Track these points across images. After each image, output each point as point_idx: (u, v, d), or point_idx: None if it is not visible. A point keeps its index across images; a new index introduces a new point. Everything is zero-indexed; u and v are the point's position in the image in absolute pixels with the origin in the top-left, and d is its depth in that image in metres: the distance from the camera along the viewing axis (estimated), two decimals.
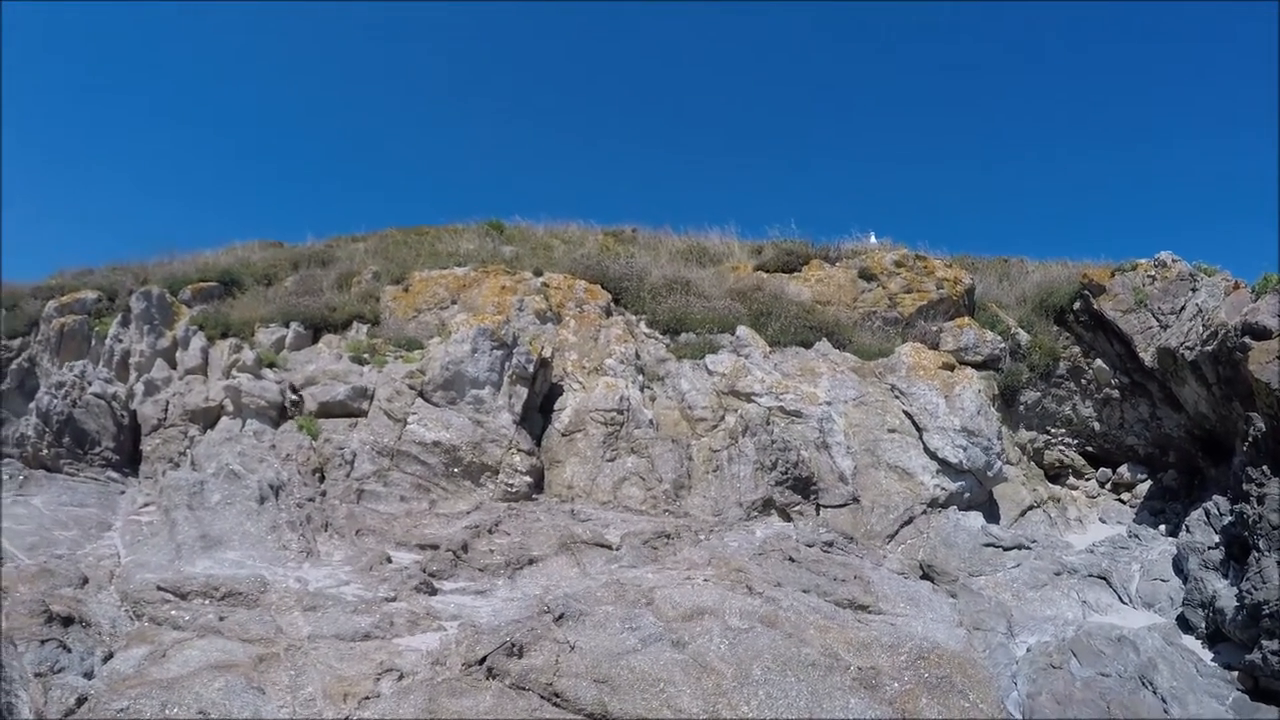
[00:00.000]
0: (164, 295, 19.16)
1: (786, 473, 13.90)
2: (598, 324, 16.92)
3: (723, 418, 14.92)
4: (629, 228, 24.48)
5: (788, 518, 13.71)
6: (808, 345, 17.19)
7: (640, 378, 15.87)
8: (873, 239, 21.85)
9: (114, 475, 16.02)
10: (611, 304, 18.06)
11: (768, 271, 20.08)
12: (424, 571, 10.46)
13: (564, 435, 14.82)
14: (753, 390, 15.22)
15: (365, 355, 16.20)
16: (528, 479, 13.78)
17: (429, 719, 6.90)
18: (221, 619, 8.71)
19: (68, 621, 8.53)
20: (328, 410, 15.14)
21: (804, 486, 14.02)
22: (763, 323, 17.46)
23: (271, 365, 16.30)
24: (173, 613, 8.94)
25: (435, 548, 11.39)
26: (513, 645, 7.91)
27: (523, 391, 14.78)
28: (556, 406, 15.38)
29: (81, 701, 7.19)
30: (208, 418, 16.35)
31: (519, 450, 13.96)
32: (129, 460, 16.76)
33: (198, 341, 17.94)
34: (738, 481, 13.86)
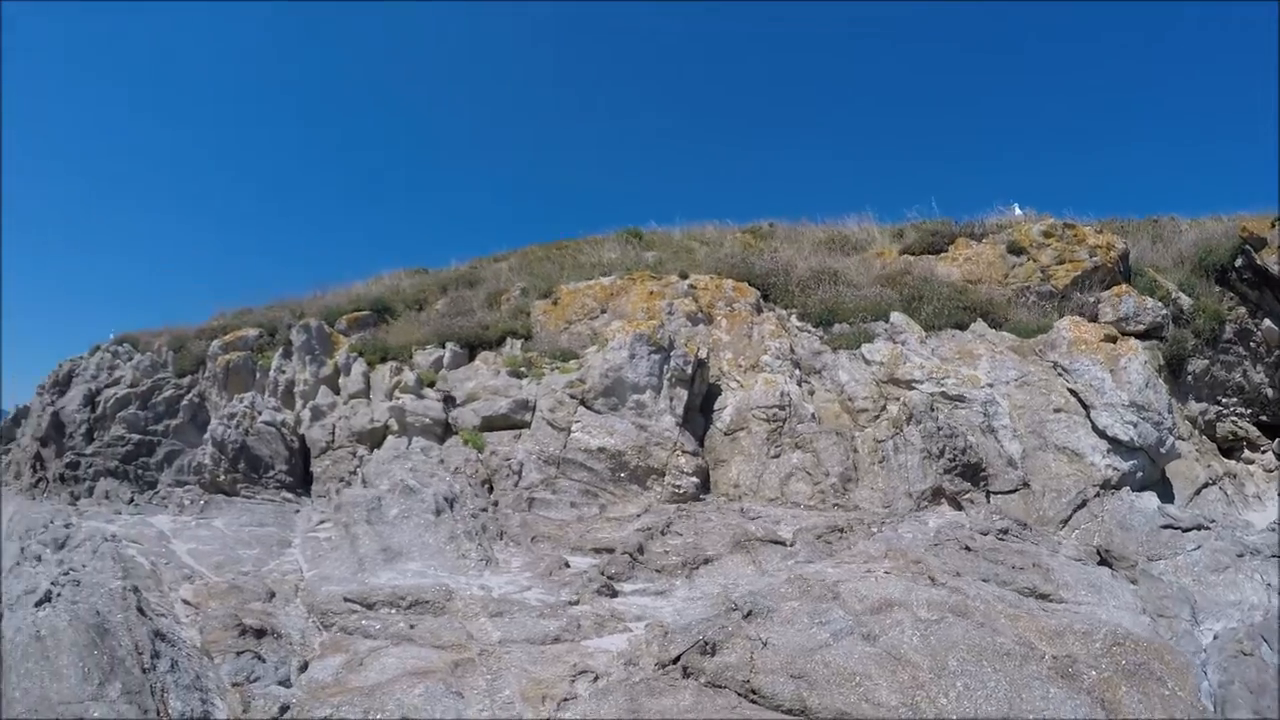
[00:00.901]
0: (322, 327, 19.72)
1: (954, 460, 13.46)
2: (749, 321, 16.66)
3: (884, 407, 14.53)
4: (766, 223, 24.13)
5: (958, 506, 13.26)
6: (963, 327, 16.60)
7: (797, 372, 15.54)
8: (1017, 211, 20.89)
9: (288, 496, 16.65)
10: (760, 300, 17.76)
11: (913, 254, 19.48)
12: (603, 574, 10.31)
13: (726, 434, 14.61)
14: (912, 377, 14.78)
15: (522, 369, 16.27)
16: (694, 480, 13.60)
17: (631, 719, 6.84)
18: (412, 627, 8.77)
19: (260, 633, 8.78)
20: (491, 424, 15.26)
21: (973, 473, 13.56)
22: (915, 307, 16.89)
23: (431, 385, 16.54)
24: (363, 622, 9.07)
25: (610, 551, 11.28)
26: (705, 643, 7.75)
27: (683, 393, 14.66)
28: (716, 406, 15.18)
29: (284, 709, 7.30)
30: (374, 438, 16.78)
31: (683, 452, 13.81)
32: (301, 481, 17.41)
33: (359, 367, 18.44)
34: (905, 471, 13.47)
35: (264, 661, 8.22)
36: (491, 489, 14.00)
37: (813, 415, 14.48)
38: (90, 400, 21.95)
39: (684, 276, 18.37)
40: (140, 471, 19.23)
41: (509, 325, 18.34)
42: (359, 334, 20.47)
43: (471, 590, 9.81)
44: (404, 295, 21.81)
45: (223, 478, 16.80)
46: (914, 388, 14.68)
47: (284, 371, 20.10)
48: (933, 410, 14.11)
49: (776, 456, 13.97)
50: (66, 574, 9.63)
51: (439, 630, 8.62)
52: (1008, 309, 17.32)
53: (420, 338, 18.58)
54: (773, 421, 14.24)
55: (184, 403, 21.00)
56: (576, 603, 9.54)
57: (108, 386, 22.39)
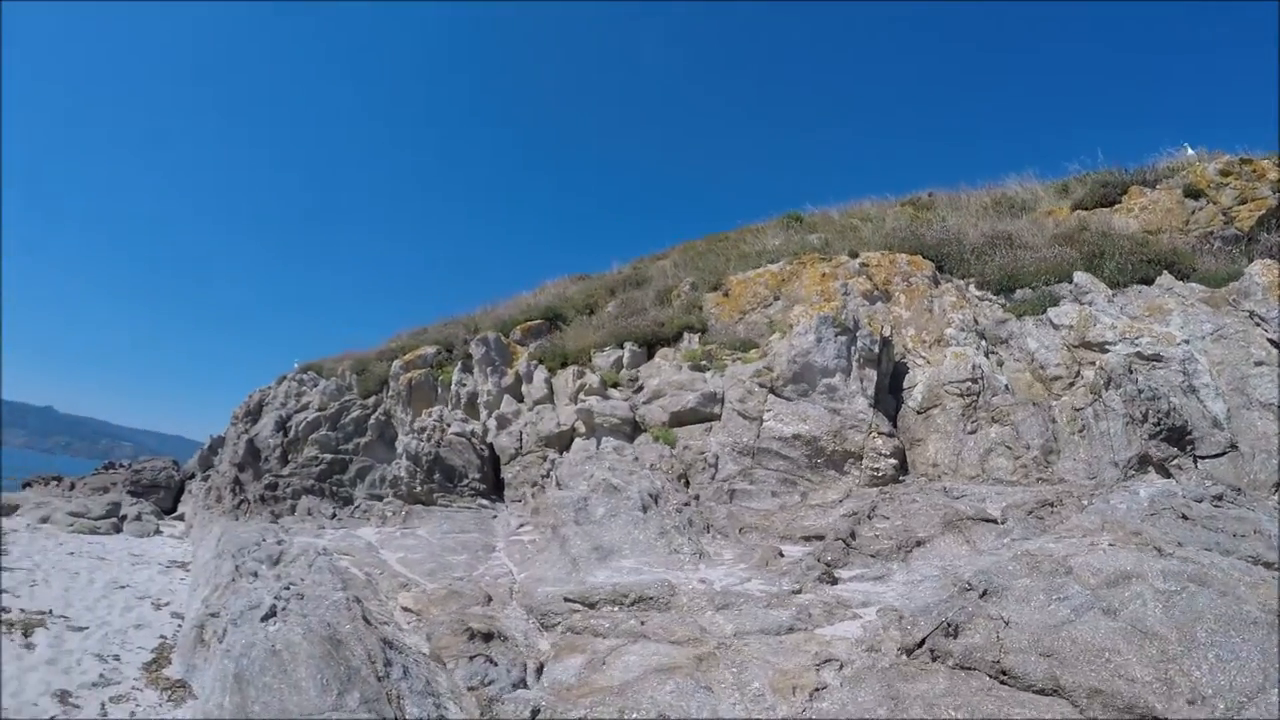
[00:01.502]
0: (499, 338, 20.11)
1: (1159, 424, 12.77)
2: (928, 295, 16.22)
3: (1078, 373, 13.95)
4: (925, 193, 23.48)
5: (1165, 473, 12.54)
6: (1148, 281, 15.69)
7: (983, 343, 14.99)
8: (1189, 151, 19.86)
9: (484, 503, 17.04)
10: (936, 272, 17.24)
11: (1085, 209, 18.65)
12: (819, 561, 10.11)
13: (919, 413, 14.21)
14: (1104, 339, 14.14)
15: (703, 362, 16.18)
16: (892, 461, 13.24)
17: (890, 705, 6.69)
18: (642, 624, 8.65)
19: (488, 637, 8.84)
20: (680, 419, 15.22)
21: (1178, 437, 12.81)
22: (1096, 265, 16.00)
23: (615, 385, 16.64)
24: (591, 621, 8.99)
25: (820, 538, 11.09)
26: (948, 625, 7.53)
27: (872, 374, 14.31)
28: (905, 385, 14.80)
29: (536, 712, 7.26)
30: (561, 441, 16.99)
31: (879, 433, 13.48)
32: (494, 488, 17.79)
33: (540, 374, 18.74)
34: (1108, 439, 12.87)
35: (495, 665, 8.27)
36: (688, 483, 13.92)
37: (1006, 387, 14.02)
38: (282, 426, 22.81)
39: (854, 255, 18.02)
40: (335, 488, 19.93)
41: (684, 320, 18.26)
42: (535, 342, 20.79)
43: (692, 584, 9.66)
44: (573, 301, 22.03)
45: (419, 489, 17.29)
46: (1107, 350, 14.07)
47: (464, 384, 20.57)
48: (1131, 372, 13.51)
49: (973, 432, 13.55)
50: (287, 588, 9.83)
51: (670, 626, 8.48)
52: (1193, 258, 16.31)
53: (597, 340, 18.74)
54: (966, 396, 13.82)
55: (371, 421, 21.66)
56: (799, 591, 9.36)
57: (297, 412, 23.24)
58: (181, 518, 25.99)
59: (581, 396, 16.67)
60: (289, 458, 21.99)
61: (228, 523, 18.04)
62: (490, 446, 18.41)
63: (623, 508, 12.13)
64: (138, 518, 23.71)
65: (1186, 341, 14.05)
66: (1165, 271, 15.86)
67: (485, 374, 19.87)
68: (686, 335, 17.87)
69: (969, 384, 13.88)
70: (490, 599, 10.47)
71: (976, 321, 15.43)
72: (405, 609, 10.39)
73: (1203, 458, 12.73)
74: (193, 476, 29.01)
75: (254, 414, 25.80)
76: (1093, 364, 13.95)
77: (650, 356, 18.03)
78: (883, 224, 20.83)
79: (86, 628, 11.81)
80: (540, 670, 8.34)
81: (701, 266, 21.45)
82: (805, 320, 14.56)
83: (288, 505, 19.29)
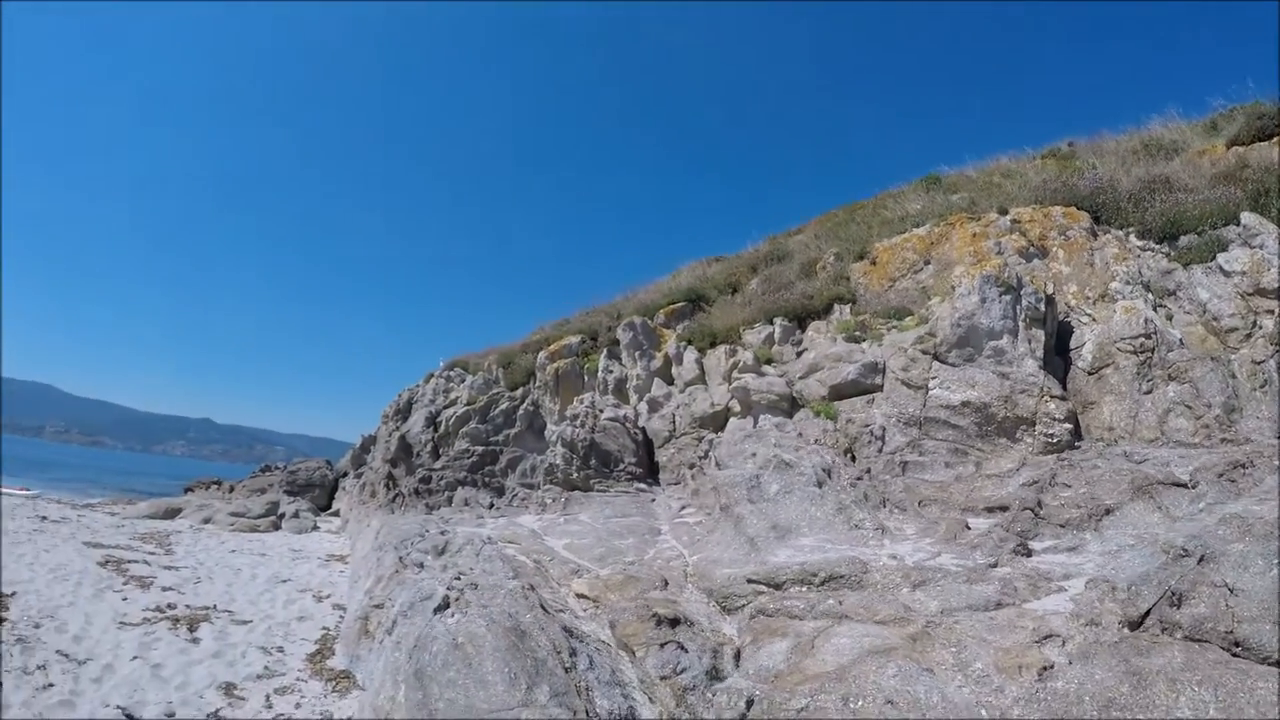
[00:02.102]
0: (646, 323, 20.02)
1: None
2: (1087, 248, 15.36)
3: (1255, 323, 13.10)
4: (1064, 143, 22.41)
5: None
6: None
7: (1149, 296, 14.17)
8: None
9: (641, 486, 16.92)
10: (1093, 224, 16.30)
11: (1242, 144, 17.28)
12: (1010, 533, 9.66)
13: (1090, 373, 13.44)
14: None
15: (856, 333, 15.74)
16: (1067, 426, 12.55)
17: (1132, 681, 6.32)
18: (840, 604, 8.21)
19: (674, 623, 8.48)
20: (839, 392, 14.77)
21: None
22: (1263, 204, 14.78)
23: (768, 361, 16.30)
24: (785, 603, 8.55)
25: (1004, 509, 10.56)
26: (1173, 595, 7.21)
27: (1039, 334, 13.62)
28: (1072, 344, 14.02)
29: (750, 704, 6.84)
30: (715, 422, 16.77)
31: (1051, 397, 12.77)
32: (648, 472, 17.67)
33: (690, 355, 18.57)
34: None
35: (686, 651, 7.90)
36: (854, 458, 13.51)
37: (1180, 341, 13.26)
38: (431, 421, 23.16)
39: (1003, 212, 17.25)
40: (487, 479, 20.04)
41: (833, 292, 17.84)
42: (685, 323, 20.66)
43: (882, 561, 9.25)
44: (714, 281, 21.78)
45: (575, 475, 17.31)
46: None
47: (611, 371, 20.55)
48: None
49: (1149, 392, 12.81)
50: (458, 578, 9.78)
51: (871, 605, 8.05)
52: None
53: (745, 318, 18.44)
54: (1140, 353, 13.08)
55: (519, 412, 21.79)
56: (995, 565, 8.89)
57: (446, 407, 23.56)
58: (337, 514, 26.72)
59: (735, 375, 16.40)
60: (440, 451, 22.30)
61: (385, 516, 18.26)
62: (643, 430, 18.31)
63: (796, 484, 11.71)
64: (295, 515, 24.44)
65: None
66: None
67: (634, 358, 19.82)
68: (837, 307, 17.43)
69: (1142, 340, 13.15)
70: (667, 583, 10.17)
71: (1140, 273, 14.65)
72: (580, 595, 10.20)
73: None
74: (345, 474, 29.85)
75: (404, 412, 26.30)
76: (1270, 313, 13.16)
77: (801, 330, 17.65)
78: (1025, 179, 19.94)
79: (250, 621, 12.05)
80: (738, 657, 7.94)
81: (843, 236, 20.95)
82: (967, 281, 13.93)
83: (442, 497, 19.43)
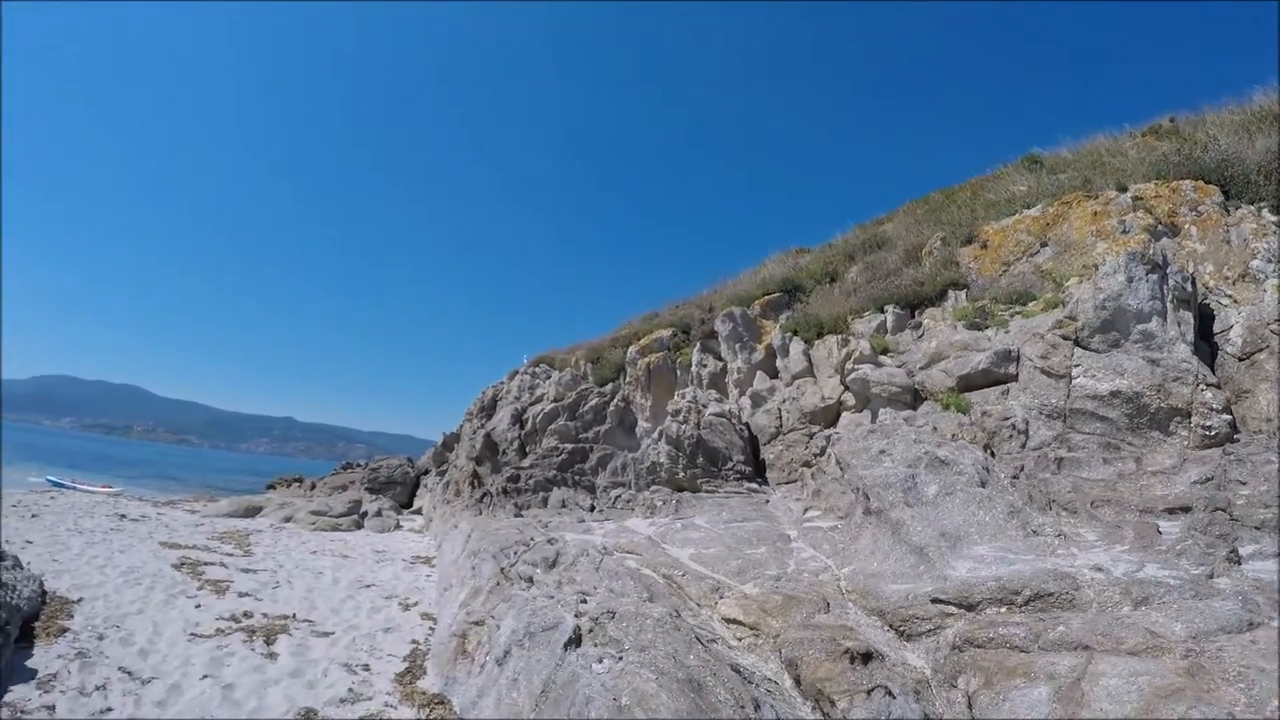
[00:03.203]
0: (746, 313, 19.23)
1: None
2: (1222, 224, 14.23)
3: None
4: (1165, 120, 21.41)
5: None
6: None
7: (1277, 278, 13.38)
8: None
9: (753, 486, 15.97)
10: (1224, 199, 15.15)
11: None
12: (1209, 537, 8.58)
13: (1240, 359, 12.20)
14: None
15: (976, 320, 14.92)
16: (1225, 417, 11.33)
17: None
18: (1068, 630, 6.95)
19: (866, 658, 7.16)
20: (969, 382, 13.76)
21: None
22: None
23: (884, 351, 15.30)
24: (997, 630, 7.21)
25: (1186, 510, 9.50)
26: None
27: (1188, 316, 12.43)
28: (1217, 328, 12.82)
29: None
30: (826, 416, 15.85)
31: (1207, 385, 11.60)
32: (757, 470, 16.71)
33: (796, 346, 17.68)
34: None
35: (893, 697, 6.60)
36: (993, 453, 12.40)
37: None
38: (518, 419, 22.61)
39: (1122, 189, 16.13)
40: (577, 478, 19.32)
41: (945, 277, 16.86)
42: (782, 315, 19.96)
43: (1086, 574, 8.03)
44: (810, 271, 20.90)
45: (681, 474, 16.44)
46: None
47: (705, 365, 19.85)
48: None
49: None
50: (584, 600, 8.91)
51: (1106, 630, 6.83)
52: None
53: (852, 306, 17.54)
54: None
55: (610, 409, 21.17)
56: (1212, 576, 7.72)
57: (532, 404, 23.01)
58: (419, 512, 26.24)
59: (850, 366, 15.39)
60: (527, 449, 21.74)
61: (474, 517, 17.47)
62: (746, 426, 17.50)
63: (958, 484, 10.62)
64: (378, 514, 23.95)
65: None
66: None
67: (734, 350, 19.06)
68: (951, 292, 16.44)
69: None
70: (829, 604, 8.87)
71: None
72: (731, 620, 9.02)
73: None
74: (427, 472, 29.42)
75: (488, 409, 25.80)
76: None
77: (913, 317, 16.75)
78: (1134, 156, 18.92)
79: (332, 633, 11.23)
80: (969, 704, 6.59)
81: (945, 221, 19.84)
82: (1112, 259, 12.75)
83: (533, 497, 18.61)
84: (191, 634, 10.36)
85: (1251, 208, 14.73)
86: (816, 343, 17.55)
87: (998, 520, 9.86)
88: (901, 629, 8.10)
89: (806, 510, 13.60)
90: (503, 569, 11.44)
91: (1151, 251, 12.92)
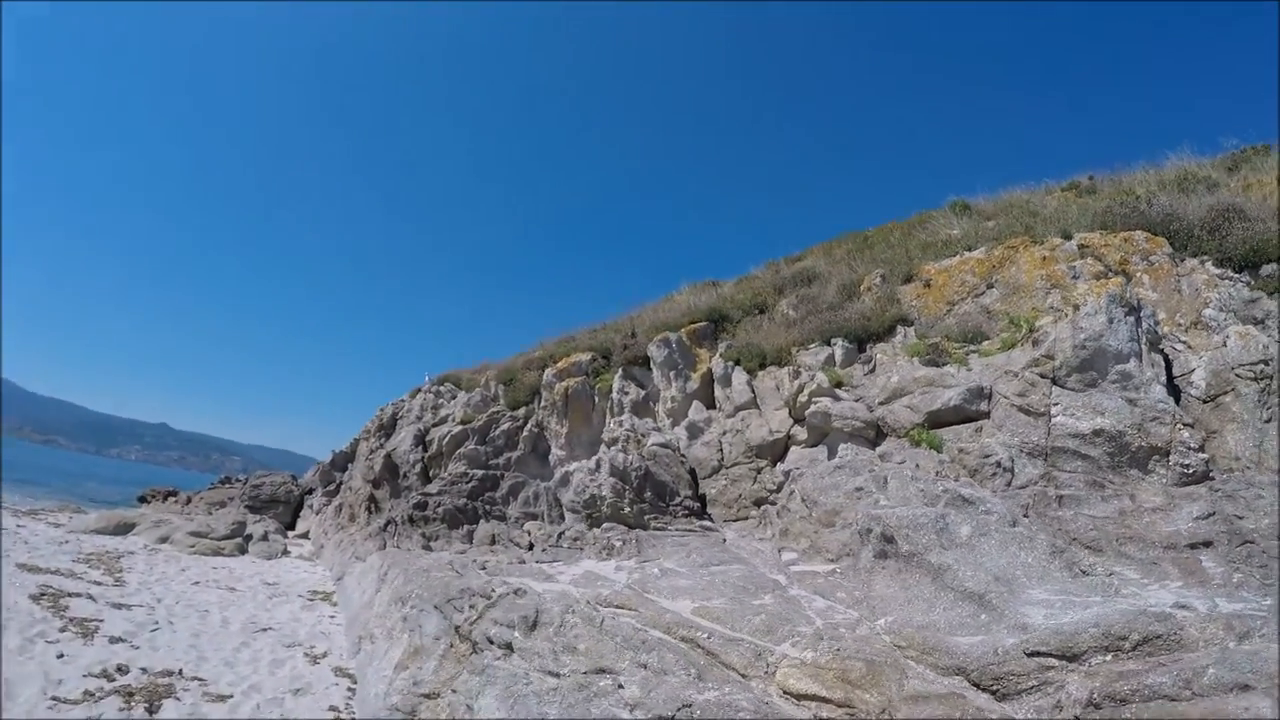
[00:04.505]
0: (682, 339, 18.85)
1: None
2: (1174, 274, 14.75)
3: None
4: (1085, 177, 22.14)
5: None
6: None
7: (1235, 325, 14.01)
8: None
9: (705, 524, 15.24)
10: (1171, 250, 15.63)
11: None
12: (1250, 567, 8.89)
13: (1205, 401, 12.74)
14: None
15: (932, 357, 14.82)
16: (1202, 456, 11.63)
17: None
18: (1214, 670, 6.56)
19: None
20: (939, 419, 13.68)
21: None
22: None
23: (838, 385, 15.26)
24: (1145, 680, 6.71)
25: (1209, 544, 9.64)
26: None
27: (1159, 359, 12.83)
28: (1177, 371, 13.27)
29: None
30: (774, 451, 15.47)
31: (1184, 425, 11.91)
32: (703, 506, 16.07)
33: (739, 376, 17.27)
34: None
35: None
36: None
37: None
38: (421, 440, 21.80)
39: (1067, 236, 16.52)
40: (487, 507, 18.59)
41: (895, 313, 16.86)
42: (710, 344, 19.62)
43: (1176, 614, 7.69)
44: (738, 302, 20.61)
45: (628, 509, 15.51)
46: None
47: (627, 392, 19.34)
48: None
49: (1270, 420, 12.47)
50: (618, 685, 8.01)
51: (1249, 665, 6.56)
52: None
53: (796, 338, 17.28)
54: (1259, 380, 12.66)
55: (523, 434, 20.49)
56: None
57: (436, 425, 22.26)
58: (305, 536, 25.00)
59: (804, 398, 15.12)
60: (430, 474, 20.91)
61: (382, 550, 16.27)
62: (683, 458, 17.09)
63: (991, 524, 10.32)
64: (264, 537, 22.64)
65: None
66: None
67: (668, 378, 18.56)
68: (900, 328, 16.56)
69: (1261, 366, 12.71)
70: (905, 670, 8.04)
71: (1229, 300, 14.38)
72: (802, 696, 7.91)
73: None
74: (311, 491, 28.07)
75: (387, 428, 24.83)
76: None
77: (861, 352, 16.78)
78: (1061, 210, 19.45)
79: (229, 696, 9.70)
80: None
81: (881, 259, 19.92)
82: (1093, 300, 12.97)
83: (443, 528, 17.65)
84: (53, 698, 8.73)
85: (1197, 260, 15.34)
86: (761, 373, 17.31)
87: (1041, 561, 9.62)
88: (995, 689, 7.53)
89: (781, 551, 13.10)
90: (457, 627, 10.30)
91: (1130, 296, 13.23)
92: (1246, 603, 8.11)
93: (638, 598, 10.79)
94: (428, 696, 8.92)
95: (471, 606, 10.65)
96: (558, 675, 8.56)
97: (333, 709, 9.98)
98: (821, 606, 10.26)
